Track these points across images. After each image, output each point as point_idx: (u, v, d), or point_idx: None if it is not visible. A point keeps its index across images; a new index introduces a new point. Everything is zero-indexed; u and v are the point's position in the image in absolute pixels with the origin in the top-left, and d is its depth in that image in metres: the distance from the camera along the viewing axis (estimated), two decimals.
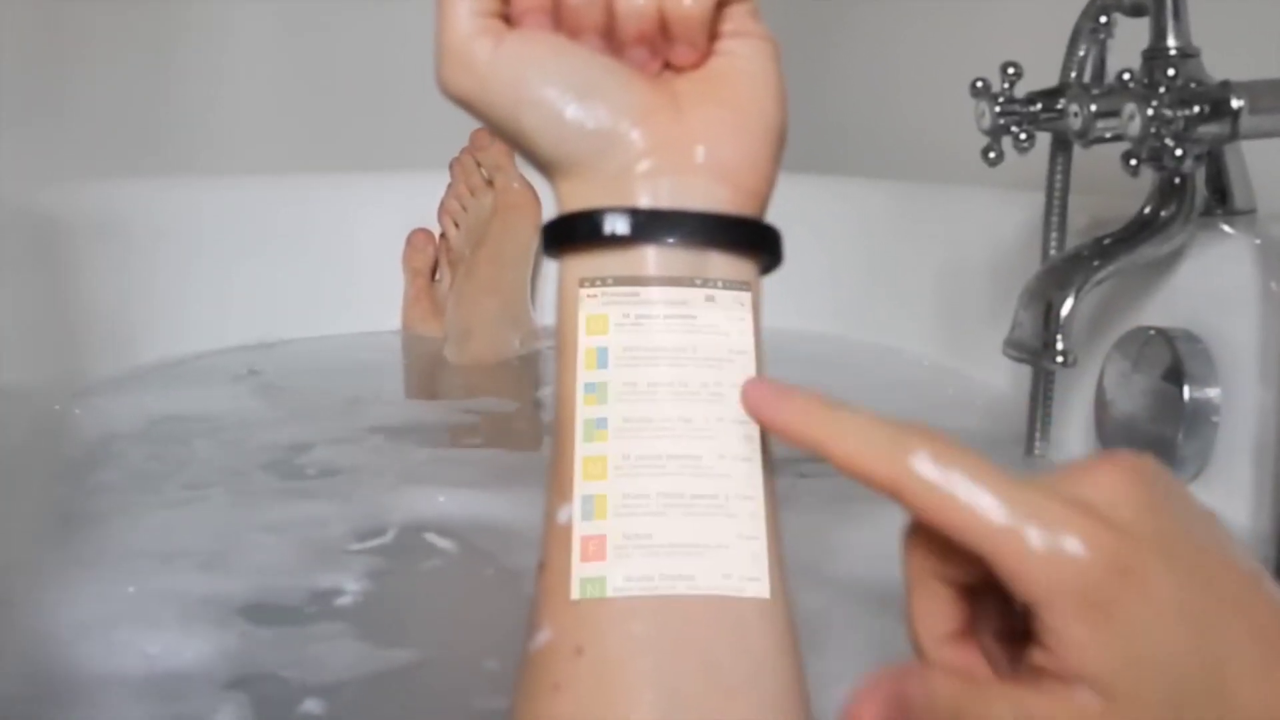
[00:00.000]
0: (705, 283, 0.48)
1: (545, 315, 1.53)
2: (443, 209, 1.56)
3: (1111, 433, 0.96)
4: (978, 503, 0.40)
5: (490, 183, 1.52)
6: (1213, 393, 0.91)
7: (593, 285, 0.48)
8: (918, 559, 0.44)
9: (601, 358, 0.48)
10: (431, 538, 0.90)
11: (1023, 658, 0.41)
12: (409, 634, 0.76)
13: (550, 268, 1.53)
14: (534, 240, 1.51)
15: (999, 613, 0.44)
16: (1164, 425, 0.91)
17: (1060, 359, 0.90)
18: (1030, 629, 0.40)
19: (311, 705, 0.67)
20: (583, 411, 0.47)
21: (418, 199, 1.56)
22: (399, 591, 0.82)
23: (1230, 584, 0.41)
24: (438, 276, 1.58)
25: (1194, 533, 0.42)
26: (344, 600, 0.80)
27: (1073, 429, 1.05)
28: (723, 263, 0.49)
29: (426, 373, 1.47)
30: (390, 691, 0.69)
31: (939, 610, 0.44)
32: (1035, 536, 0.39)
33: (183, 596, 0.78)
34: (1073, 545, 0.39)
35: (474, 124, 1.47)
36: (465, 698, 0.69)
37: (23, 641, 0.73)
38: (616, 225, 0.48)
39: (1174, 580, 0.40)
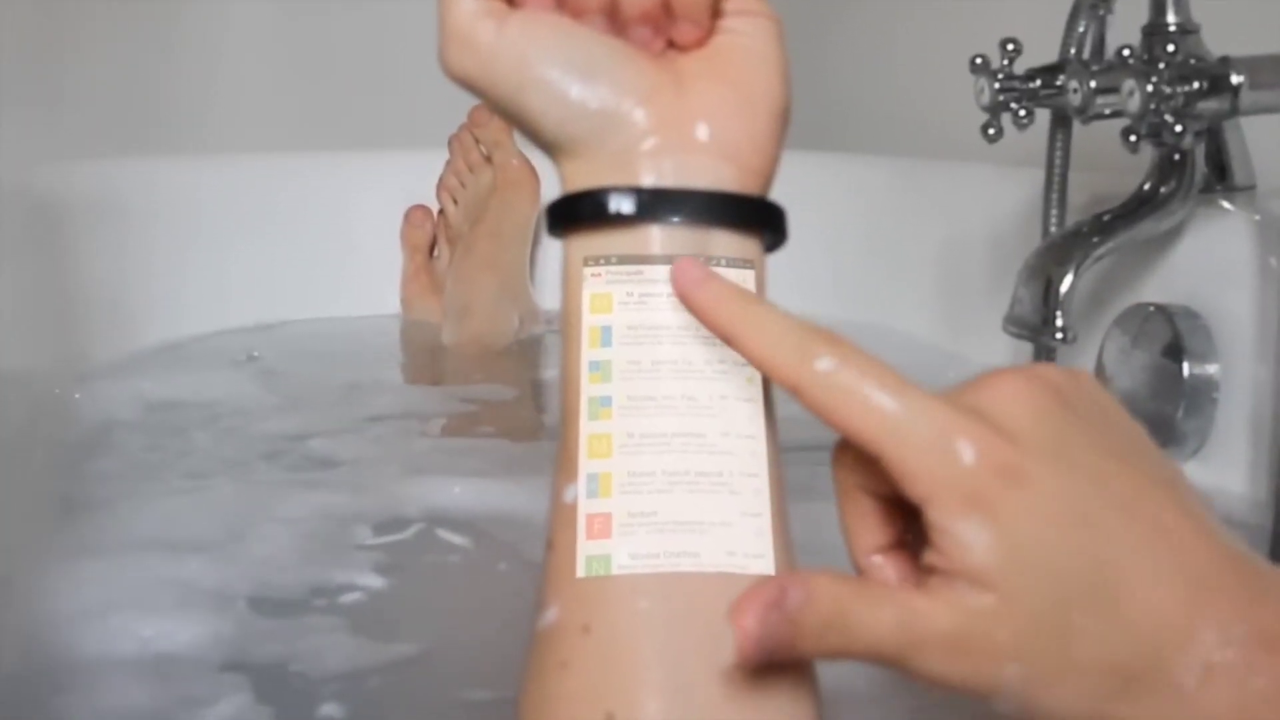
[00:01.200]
0: (710, 260, 0.48)
1: (545, 296, 1.53)
2: (441, 185, 1.56)
3: None
4: (873, 404, 0.41)
5: (489, 159, 1.52)
6: (1212, 368, 0.91)
7: (597, 264, 0.48)
8: (844, 472, 0.45)
9: (606, 336, 0.48)
10: (433, 528, 0.90)
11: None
12: (409, 623, 0.76)
13: (549, 246, 1.54)
14: (533, 217, 1.51)
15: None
16: (1164, 401, 0.92)
17: (1060, 336, 0.90)
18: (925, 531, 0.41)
19: (313, 692, 0.68)
20: (587, 390, 0.47)
21: (417, 178, 1.56)
22: (401, 582, 0.81)
23: (1131, 490, 0.42)
24: (436, 253, 1.58)
25: (1098, 439, 0.43)
26: (345, 590, 0.80)
27: None
28: (727, 241, 0.49)
29: (426, 358, 1.46)
30: (393, 681, 0.69)
31: (867, 523, 0.45)
32: (924, 438, 0.40)
33: (182, 585, 0.78)
34: (960, 446, 0.40)
35: (473, 101, 1.48)
36: (469, 689, 0.69)
37: (22, 625, 0.73)
38: (621, 205, 0.48)
39: (1064, 484, 0.41)
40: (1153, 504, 0.42)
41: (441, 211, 1.56)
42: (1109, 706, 0.41)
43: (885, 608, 0.41)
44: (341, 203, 1.56)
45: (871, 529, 0.45)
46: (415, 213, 1.57)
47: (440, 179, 1.55)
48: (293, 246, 1.52)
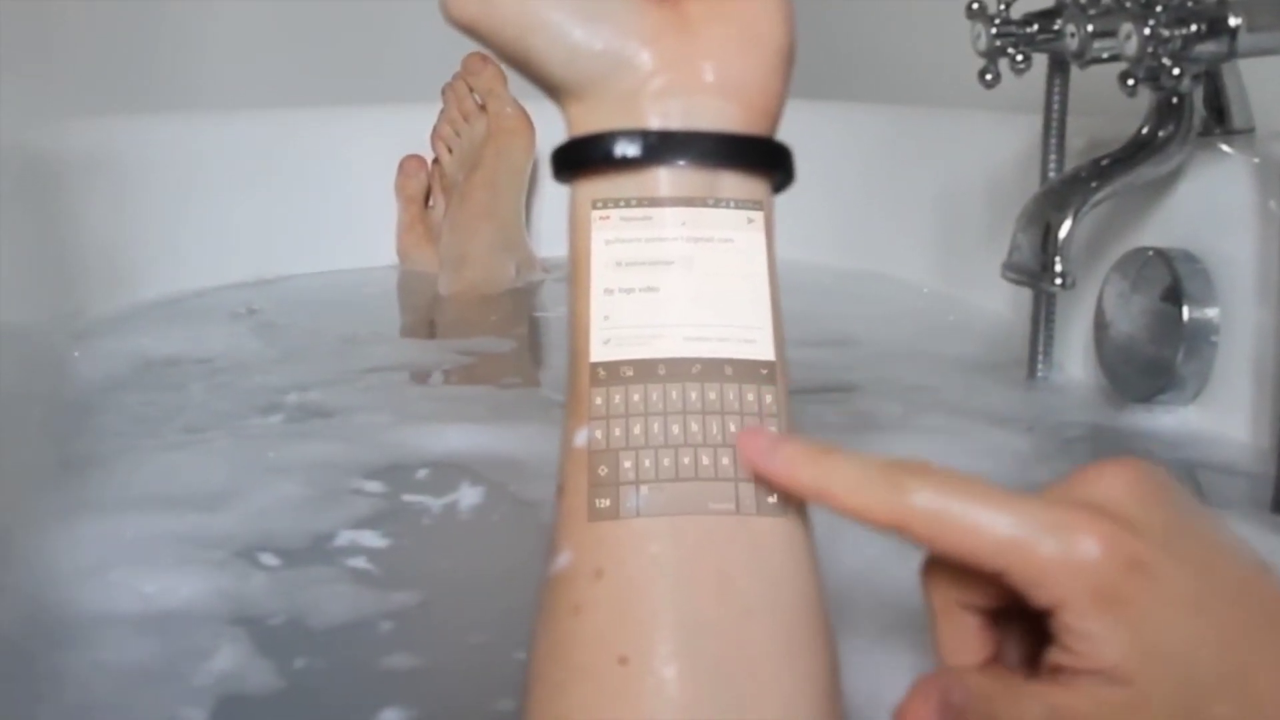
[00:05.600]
0: (718, 202, 0.48)
1: (541, 244, 1.52)
2: (436, 134, 1.55)
3: (1111, 354, 0.96)
4: (985, 523, 0.41)
5: (483, 108, 1.52)
6: (1212, 312, 0.91)
7: (605, 207, 0.48)
8: (940, 589, 0.45)
9: (614, 279, 0.48)
10: (431, 476, 0.90)
11: (1040, 661, 0.42)
12: (409, 572, 0.76)
13: (545, 194, 1.53)
14: (528, 164, 1.51)
15: (1023, 639, 0.45)
16: (1163, 346, 0.91)
17: (1059, 281, 0.90)
18: (1050, 633, 0.41)
19: (313, 643, 0.68)
20: (596, 333, 0.47)
21: (412, 130, 1.56)
22: (400, 531, 0.82)
23: (1237, 575, 0.42)
24: (431, 203, 1.57)
25: (1197, 527, 0.43)
26: (345, 540, 0.80)
27: (1073, 351, 1.05)
28: (735, 182, 0.48)
29: (423, 309, 1.46)
30: (393, 630, 0.69)
31: (966, 640, 0.45)
32: (1047, 542, 0.40)
33: (181, 538, 0.78)
34: (1085, 545, 0.40)
35: (466, 51, 1.47)
36: (469, 635, 0.69)
37: (21, 583, 0.73)
38: (627, 148, 0.47)
39: (1184, 573, 0.41)
40: (1257, 589, 0.42)
41: (436, 161, 1.56)
42: None
43: (1031, 704, 0.41)
44: (338, 156, 1.56)
45: (971, 646, 0.45)
46: (409, 162, 1.56)
47: (434, 128, 1.55)
48: (289, 201, 1.52)
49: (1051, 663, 0.42)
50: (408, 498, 0.86)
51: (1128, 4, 0.87)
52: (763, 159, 0.49)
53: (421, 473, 0.90)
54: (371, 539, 0.80)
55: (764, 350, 0.47)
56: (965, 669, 0.44)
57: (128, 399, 1.08)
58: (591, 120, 0.49)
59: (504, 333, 1.30)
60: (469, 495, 0.86)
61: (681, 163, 0.48)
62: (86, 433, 1.00)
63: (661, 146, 0.47)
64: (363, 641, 0.68)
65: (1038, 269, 0.91)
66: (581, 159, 0.49)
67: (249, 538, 0.79)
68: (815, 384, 1.01)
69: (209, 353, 1.21)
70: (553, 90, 0.50)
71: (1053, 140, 1.04)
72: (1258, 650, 0.41)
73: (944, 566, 0.44)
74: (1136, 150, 0.92)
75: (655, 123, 0.48)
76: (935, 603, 0.45)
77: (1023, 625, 0.45)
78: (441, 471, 0.90)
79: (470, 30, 0.49)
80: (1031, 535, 0.40)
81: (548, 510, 0.48)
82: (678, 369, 0.47)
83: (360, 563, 0.77)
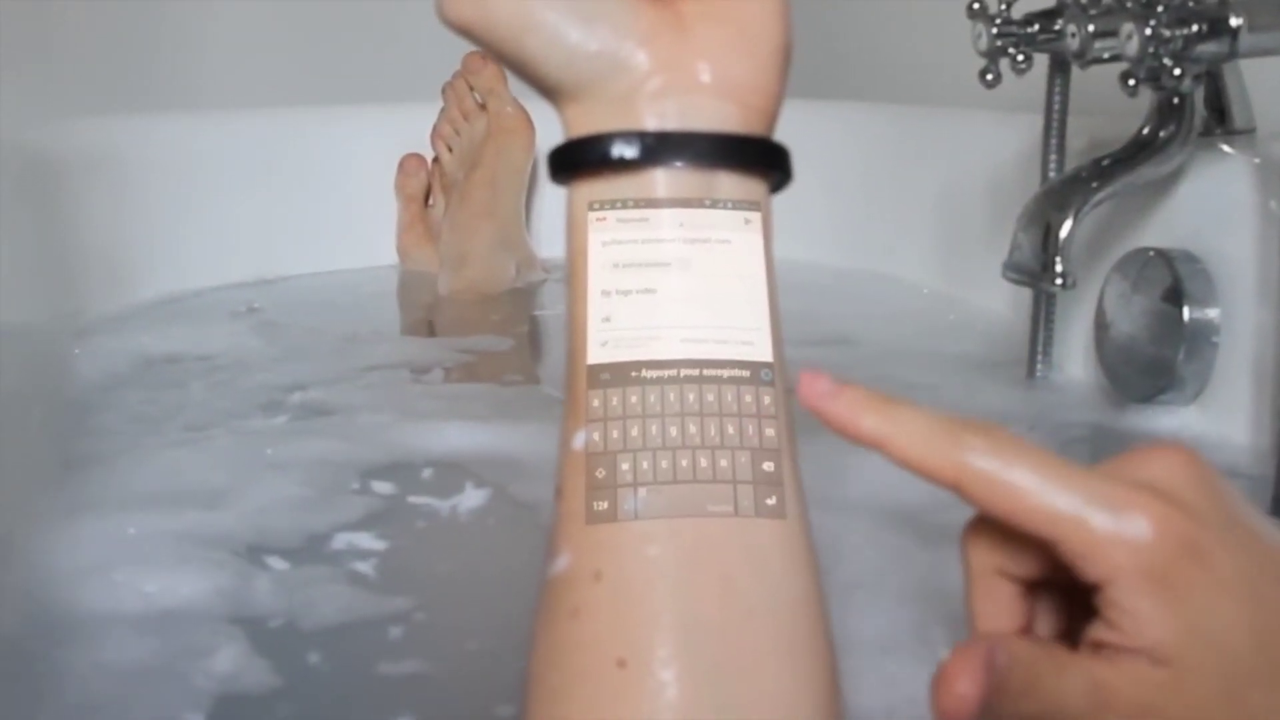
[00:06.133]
0: (715, 203, 0.48)
1: (541, 244, 1.52)
2: (436, 133, 1.55)
3: (1112, 354, 0.96)
4: (1043, 491, 0.41)
5: (483, 106, 1.52)
6: (1212, 313, 0.91)
7: (602, 209, 0.48)
8: (980, 555, 0.45)
9: (612, 281, 0.48)
10: (431, 475, 0.90)
11: (1082, 636, 0.43)
12: (407, 572, 0.77)
13: (545, 193, 1.53)
14: (528, 164, 1.51)
15: (1056, 612, 0.45)
16: (1164, 346, 0.91)
17: (1060, 281, 0.90)
18: (1095, 607, 0.42)
19: (309, 642, 0.68)
20: (594, 335, 0.47)
21: (413, 130, 1.56)
22: (399, 530, 0.82)
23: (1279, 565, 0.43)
24: (431, 203, 1.57)
25: (1245, 517, 0.43)
26: (343, 540, 0.80)
27: (1073, 351, 1.05)
28: (732, 183, 0.48)
29: (423, 308, 1.46)
30: (389, 630, 0.69)
31: (1000, 607, 0.45)
32: (1102, 518, 0.41)
33: (182, 537, 0.78)
34: (1139, 524, 0.40)
35: (465, 51, 1.46)
36: (465, 639, 0.69)
37: (22, 581, 0.73)
38: (625, 150, 0.47)
39: (1234, 559, 0.41)
40: None
41: (436, 160, 1.56)
42: None
43: (1075, 675, 0.41)
44: (338, 155, 1.56)
45: (1004, 614, 0.45)
46: (409, 161, 1.56)
47: (435, 127, 1.55)
48: (290, 200, 1.52)
49: (1094, 638, 0.42)
50: (408, 497, 0.86)
51: (1129, 4, 0.87)
52: (760, 159, 0.49)
53: (422, 472, 0.90)
54: (371, 539, 0.80)
55: (762, 351, 0.47)
56: (1007, 635, 0.44)
57: (128, 398, 1.08)
58: (588, 122, 0.48)
59: (504, 331, 1.30)
60: (469, 495, 0.86)
61: (678, 164, 0.48)
62: (87, 431, 1.00)
63: (658, 148, 0.47)
64: (361, 643, 0.68)
65: (1038, 269, 0.91)
66: (578, 160, 0.49)
67: (249, 537, 0.79)
68: None
69: (209, 351, 1.21)
70: (549, 91, 0.49)
71: (1053, 140, 1.04)
72: None
73: (986, 532, 0.44)
74: (1137, 150, 0.92)
75: (652, 124, 0.48)
76: (974, 568, 0.45)
77: (1056, 599, 0.45)
78: (442, 470, 0.90)
79: (465, 32, 0.49)
80: (1087, 509, 0.41)
81: (547, 510, 0.48)
82: (675, 371, 0.46)
83: (360, 563, 0.77)
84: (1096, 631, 0.42)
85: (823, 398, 0.44)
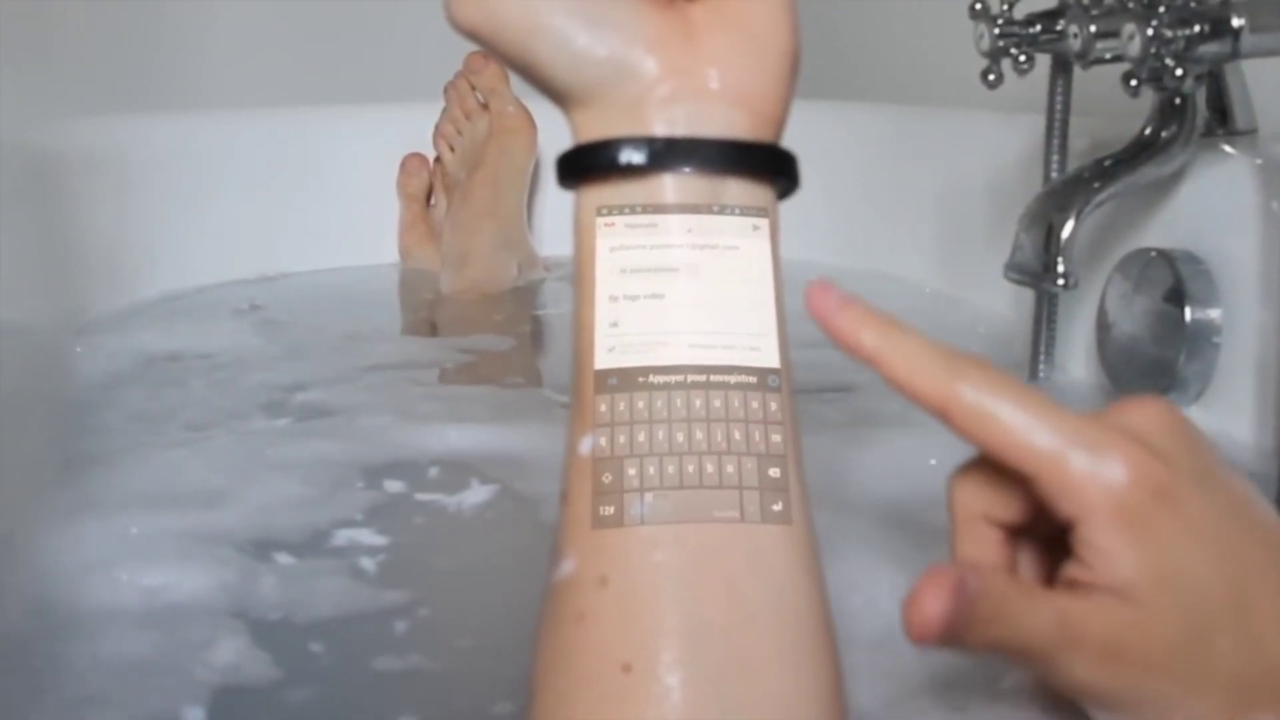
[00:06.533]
0: (723, 209, 0.48)
1: (543, 244, 1.52)
2: (438, 133, 1.55)
3: (1113, 355, 0.96)
4: (1025, 427, 0.43)
5: (485, 106, 1.52)
6: (1214, 313, 0.91)
7: (610, 214, 0.48)
8: (965, 500, 0.47)
9: (619, 286, 0.48)
10: (431, 474, 0.90)
11: (1057, 575, 0.45)
12: (407, 570, 0.76)
13: (547, 193, 1.53)
14: (530, 163, 1.51)
15: (1038, 563, 0.47)
16: (1166, 347, 0.91)
17: (1061, 282, 0.90)
18: (1069, 547, 0.44)
19: (309, 638, 0.68)
20: (601, 340, 0.47)
21: (415, 129, 1.56)
22: (399, 529, 0.81)
23: (1251, 518, 0.45)
24: (433, 202, 1.57)
25: (1220, 471, 0.45)
26: (344, 537, 0.80)
27: (1075, 352, 1.05)
28: (740, 189, 0.49)
29: (425, 307, 1.46)
30: (390, 627, 0.69)
31: (984, 551, 0.47)
32: (1080, 457, 0.42)
33: (183, 535, 0.78)
34: (1114, 466, 0.42)
35: (468, 51, 1.46)
36: (464, 637, 0.69)
37: (24, 579, 0.73)
38: (633, 155, 0.48)
39: (1205, 506, 0.43)
40: (1270, 534, 0.45)
41: (438, 159, 1.56)
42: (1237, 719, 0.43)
43: (1044, 607, 0.43)
44: (340, 155, 1.56)
45: (988, 558, 0.47)
46: (411, 161, 1.56)
47: (437, 126, 1.55)
48: (291, 199, 1.52)
49: (1067, 576, 0.44)
50: (409, 496, 0.86)
51: (1130, 4, 0.87)
52: (768, 165, 0.49)
53: (423, 471, 0.90)
54: (372, 537, 0.80)
55: (769, 357, 0.48)
56: (981, 565, 0.46)
57: (129, 396, 1.08)
58: (596, 127, 0.49)
59: (506, 331, 1.29)
60: (470, 494, 0.86)
61: (687, 170, 0.48)
62: (89, 430, 1.00)
63: (667, 153, 0.48)
64: (361, 641, 0.68)
65: (1040, 269, 0.91)
66: (587, 166, 0.49)
67: (251, 533, 0.79)
68: (815, 383, 1.00)
69: (211, 349, 1.21)
70: (557, 96, 0.50)
71: (1055, 140, 1.04)
72: (1264, 590, 0.43)
73: (972, 478, 0.46)
74: (1139, 151, 0.92)
75: (660, 130, 0.48)
76: (959, 512, 0.47)
77: (1038, 548, 0.47)
78: (443, 470, 0.90)
79: (473, 35, 0.49)
80: (1067, 448, 0.43)
81: (549, 510, 0.48)
82: (682, 376, 0.47)
83: (361, 561, 0.77)
84: (1070, 570, 0.44)
85: (829, 309, 0.47)
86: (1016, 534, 0.47)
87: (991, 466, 0.46)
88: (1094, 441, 0.43)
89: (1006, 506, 0.46)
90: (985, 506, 0.46)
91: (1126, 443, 0.43)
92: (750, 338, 0.47)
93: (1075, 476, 0.42)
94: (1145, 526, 0.42)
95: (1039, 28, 0.98)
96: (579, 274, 0.49)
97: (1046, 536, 0.46)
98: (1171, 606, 0.42)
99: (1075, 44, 0.91)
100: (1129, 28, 0.85)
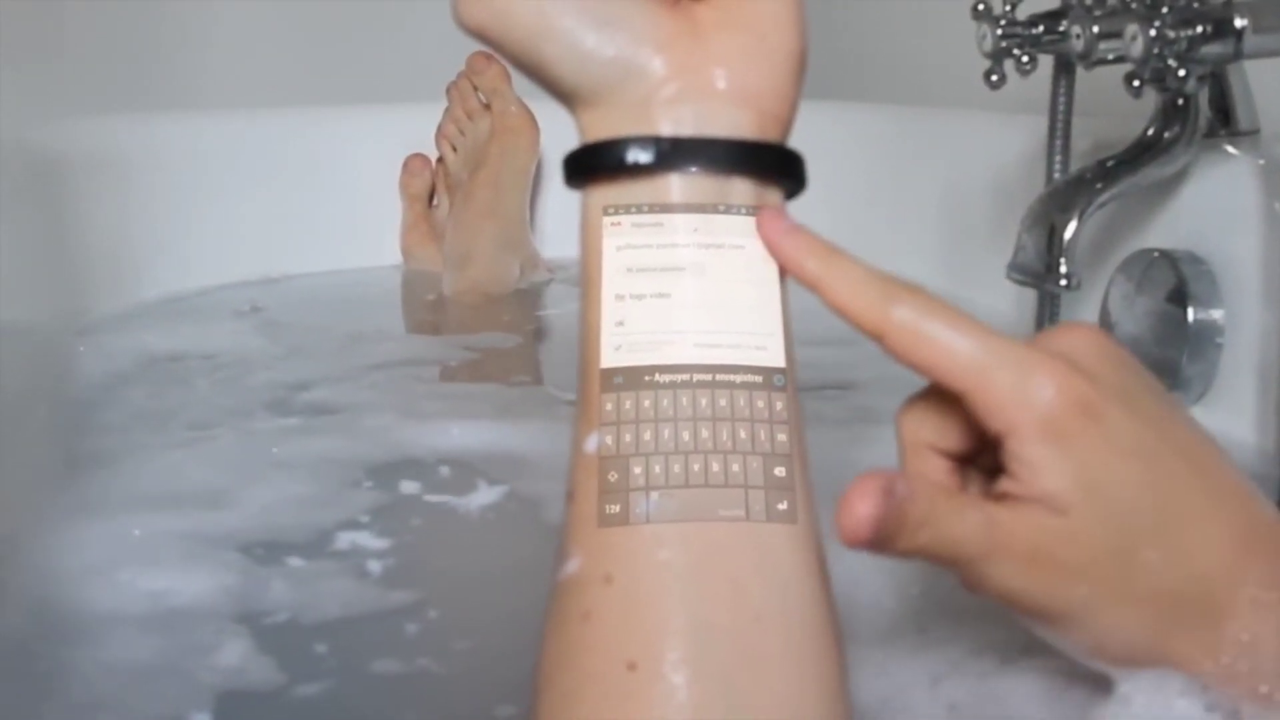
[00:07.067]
0: (729, 209, 0.48)
1: (545, 244, 1.52)
2: (440, 133, 1.55)
3: None
4: (955, 346, 0.45)
5: (487, 106, 1.52)
6: (1217, 314, 0.91)
7: (616, 214, 0.48)
8: (911, 429, 0.48)
9: (626, 285, 0.48)
10: (434, 474, 0.90)
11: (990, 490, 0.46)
12: (410, 570, 0.76)
13: (550, 193, 1.53)
14: (532, 163, 1.51)
15: (985, 490, 0.48)
16: (1168, 347, 0.91)
17: (1064, 282, 0.90)
18: (1001, 465, 0.45)
19: (313, 639, 0.68)
20: (608, 339, 0.47)
21: (417, 130, 1.56)
22: (403, 528, 0.82)
23: (1181, 436, 0.46)
24: (435, 202, 1.57)
25: (1150, 390, 0.47)
26: (348, 537, 0.80)
27: None
28: (747, 189, 0.49)
29: (427, 307, 1.46)
30: (394, 628, 0.69)
31: (930, 478, 0.48)
32: (1008, 375, 0.44)
33: (186, 536, 0.78)
34: (1042, 383, 0.44)
35: (470, 51, 1.46)
36: (467, 637, 0.69)
37: (27, 580, 0.73)
38: (639, 155, 0.48)
39: (1132, 423, 0.45)
40: (1198, 452, 0.46)
41: (440, 160, 1.56)
42: (1163, 634, 0.45)
43: (972, 512, 0.45)
44: (342, 155, 1.56)
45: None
46: (413, 161, 1.56)
47: (439, 127, 1.55)
48: (294, 199, 1.52)
49: (999, 490, 0.45)
50: (413, 496, 0.87)
51: (1133, 5, 0.87)
52: (774, 166, 0.50)
53: (427, 471, 0.90)
54: (377, 538, 0.80)
55: (775, 357, 0.48)
56: (911, 473, 0.48)
57: (132, 396, 1.08)
58: (603, 127, 0.49)
59: (509, 331, 1.30)
60: (475, 494, 0.86)
61: (693, 169, 0.48)
62: (91, 430, 1.00)
63: (673, 153, 0.48)
64: (365, 642, 0.68)
65: (1043, 270, 0.91)
66: (593, 165, 0.49)
67: (254, 535, 0.79)
68: (817, 381, 1.00)
69: (213, 350, 1.21)
70: (564, 96, 0.50)
71: (1058, 141, 1.04)
72: (1192, 506, 0.45)
73: (917, 409, 0.48)
74: (1142, 151, 0.92)
75: (667, 129, 0.48)
76: (905, 441, 0.49)
77: (985, 477, 0.48)
78: (447, 470, 0.90)
79: (481, 36, 0.49)
80: (994, 365, 0.44)
81: (554, 509, 0.48)
82: (688, 375, 0.47)
83: (365, 561, 0.77)
84: (1001, 484, 0.45)
85: (777, 234, 0.48)
86: (963, 464, 0.49)
87: (937, 397, 0.48)
88: (1022, 360, 0.44)
89: (950, 435, 0.47)
90: (931, 436, 0.48)
91: (1054, 362, 0.44)
92: (756, 337, 0.48)
93: (1004, 392, 0.44)
94: (1071, 440, 0.44)
95: (1041, 28, 0.98)
96: (585, 273, 0.49)
97: (992, 469, 0.47)
98: (1097, 517, 0.44)
99: (1078, 45, 0.91)
100: (1132, 28, 0.85)
